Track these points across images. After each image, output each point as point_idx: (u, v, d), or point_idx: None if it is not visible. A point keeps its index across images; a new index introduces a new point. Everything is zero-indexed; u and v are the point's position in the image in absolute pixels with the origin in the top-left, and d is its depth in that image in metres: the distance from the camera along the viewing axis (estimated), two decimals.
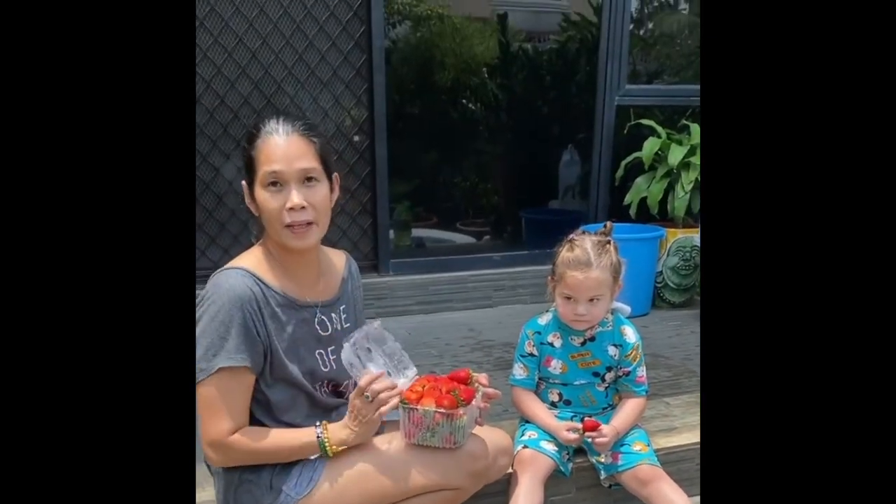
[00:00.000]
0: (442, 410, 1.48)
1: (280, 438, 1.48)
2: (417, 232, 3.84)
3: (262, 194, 1.44)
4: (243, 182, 1.50)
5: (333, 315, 1.59)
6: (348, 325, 1.62)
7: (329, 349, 1.57)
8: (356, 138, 3.37)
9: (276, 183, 1.42)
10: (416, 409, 1.50)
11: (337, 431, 1.49)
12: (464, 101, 3.83)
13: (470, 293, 3.55)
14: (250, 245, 1.58)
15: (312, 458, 1.51)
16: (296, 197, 1.42)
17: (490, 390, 1.60)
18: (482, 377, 1.61)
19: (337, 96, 3.31)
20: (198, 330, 1.41)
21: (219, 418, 1.43)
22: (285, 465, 1.50)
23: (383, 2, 3.26)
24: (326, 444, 1.48)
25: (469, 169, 3.94)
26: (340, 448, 1.49)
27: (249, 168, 1.47)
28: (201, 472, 1.62)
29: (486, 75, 3.82)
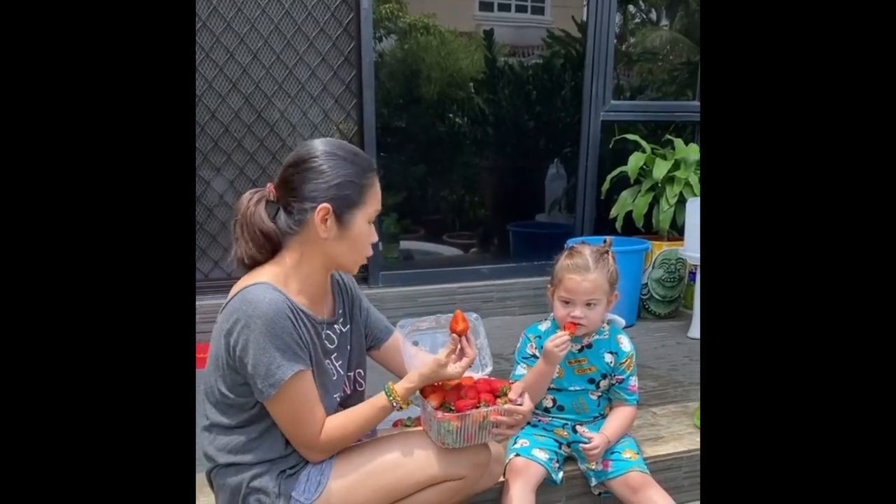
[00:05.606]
0: (436, 410, 1.53)
1: (357, 414, 1.56)
2: (405, 244, 3.88)
3: (364, 227, 1.55)
4: (325, 205, 1.47)
5: (336, 327, 1.64)
6: (346, 328, 1.67)
7: (333, 357, 1.62)
8: None
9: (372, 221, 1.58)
10: (425, 401, 1.58)
11: (401, 387, 1.56)
12: (451, 115, 3.87)
13: (459, 305, 3.55)
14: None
15: (319, 462, 1.54)
16: (376, 235, 1.61)
17: (506, 406, 1.58)
18: (513, 393, 1.61)
19: (327, 111, 3.35)
20: (252, 352, 1.43)
21: (306, 423, 1.50)
22: (292, 472, 1.53)
23: (373, 18, 3.31)
24: (394, 397, 1.54)
25: (456, 182, 3.98)
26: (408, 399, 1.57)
27: (350, 199, 1.50)
28: (200, 480, 1.64)
29: (473, 90, 3.87)
